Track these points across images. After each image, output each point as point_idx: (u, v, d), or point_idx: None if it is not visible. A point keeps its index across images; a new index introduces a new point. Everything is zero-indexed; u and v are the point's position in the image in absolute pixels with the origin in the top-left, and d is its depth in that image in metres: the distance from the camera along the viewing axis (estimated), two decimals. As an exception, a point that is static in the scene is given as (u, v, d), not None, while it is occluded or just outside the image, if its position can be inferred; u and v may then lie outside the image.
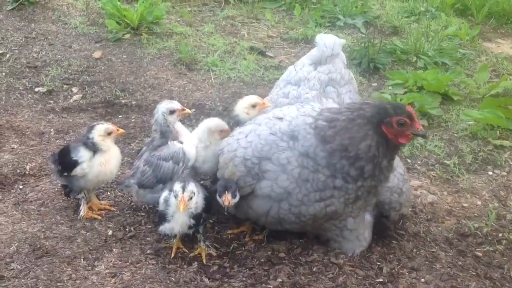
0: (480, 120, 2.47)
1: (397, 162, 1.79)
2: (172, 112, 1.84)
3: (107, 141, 1.82)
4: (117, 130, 1.86)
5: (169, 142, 1.83)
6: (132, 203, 1.97)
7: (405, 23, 3.80)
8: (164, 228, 1.67)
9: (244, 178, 1.66)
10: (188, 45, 3.31)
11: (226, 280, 1.64)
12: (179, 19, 3.84)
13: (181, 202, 1.60)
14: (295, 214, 1.64)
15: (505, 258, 1.79)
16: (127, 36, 3.49)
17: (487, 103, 2.54)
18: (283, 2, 4.15)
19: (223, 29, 3.72)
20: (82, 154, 1.79)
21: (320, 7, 4.01)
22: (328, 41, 2.06)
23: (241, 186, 1.66)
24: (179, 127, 1.89)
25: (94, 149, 1.79)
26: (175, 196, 1.61)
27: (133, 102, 2.76)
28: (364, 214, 1.72)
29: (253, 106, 1.88)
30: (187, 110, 1.90)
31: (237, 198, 1.65)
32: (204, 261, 1.69)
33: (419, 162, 2.29)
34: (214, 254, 1.73)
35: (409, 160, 2.30)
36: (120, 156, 1.91)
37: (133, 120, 2.58)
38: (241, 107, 1.90)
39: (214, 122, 1.86)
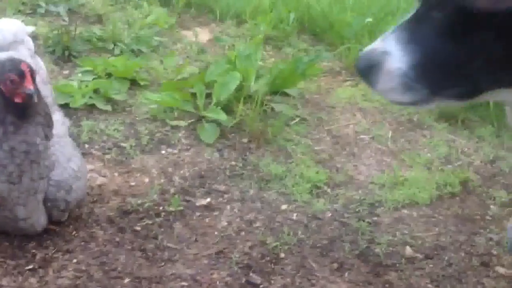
0: (159, 103, 2.64)
1: (74, 155, 1.81)
2: None
3: None
4: None
5: None
6: None
7: (110, 11, 3.84)
8: None
9: None
10: None
11: None
12: None
13: None
14: None
15: (161, 229, 1.96)
16: None
17: (166, 87, 2.72)
18: (-22, -12, 3.86)
19: None
20: None
21: (21, -6, 3.83)
22: (10, 27, 1.99)
23: None
24: None
25: None
26: None
27: None
28: (36, 201, 1.70)
29: None
30: None
31: None
32: None
33: (96, 147, 2.36)
34: None
35: (86, 146, 2.36)
36: None
37: None
38: None
39: None
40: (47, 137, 1.68)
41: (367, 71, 0.90)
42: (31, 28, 2.05)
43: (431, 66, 0.84)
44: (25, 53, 2.01)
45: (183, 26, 3.87)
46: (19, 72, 1.56)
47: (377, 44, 0.91)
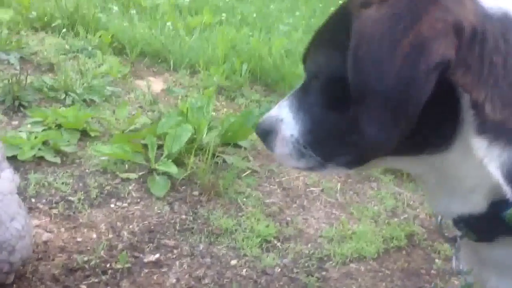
0: (110, 155, 2.62)
1: (18, 214, 1.76)
2: None
3: None
4: None
5: None
6: None
7: (62, 60, 3.84)
8: None
9: None
10: None
11: None
12: None
13: None
14: None
15: (108, 287, 1.92)
16: None
17: (117, 138, 2.71)
18: None
19: None
20: None
21: (-29, 41, 3.79)
22: None
23: None
24: None
25: None
26: None
27: None
28: None
29: None
30: None
31: None
32: None
33: (43, 201, 2.31)
34: None
35: (33, 200, 2.31)
36: None
37: None
38: None
39: None
40: None
41: (265, 137, 0.92)
42: None
43: (318, 135, 0.84)
44: None
45: (136, 75, 3.89)
46: None
47: (274, 111, 0.92)
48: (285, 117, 0.88)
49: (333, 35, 0.82)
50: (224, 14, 4.91)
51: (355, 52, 0.71)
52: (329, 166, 0.87)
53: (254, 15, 5.05)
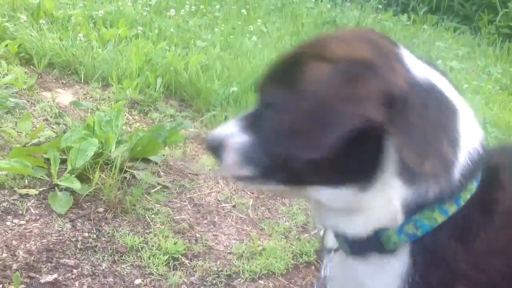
0: (7, 170, 2.45)
1: None
2: None
3: None
4: None
5: None
6: None
7: (-38, 69, 3.59)
8: None
9: None
10: None
11: None
12: None
13: None
14: None
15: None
16: None
17: (16, 153, 2.55)
18: None
19: None
20: None
21: None
22: None
23: None
24: None
25: None
26: None
27: None
28: None
29: None
30: None
31: None
32: None
33: None
34: None
35: None
36: None
37: None
38: None
39: None
40: None
41: (214, 149, 1.04)
42: None
43: (260, 152, 0.98)
44: None
45: (44, 87, 3.71)
46: None
47: (222, 129, 1.07)
48: (234, 132, 1.02)
49: (286, 75, 0.95)
50: (140, 28, 4.80)
51: (301, 94, 0.89)
52: (268, 181, 1.01)
53: (172, 29, 4.98)
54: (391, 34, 6.19)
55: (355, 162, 0.91)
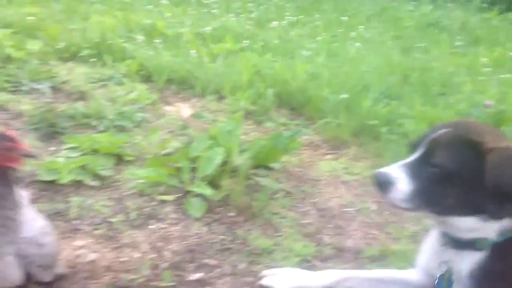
0: (146, 178, 2.68)
1: (37, 215, 1.84)
2: None
3: None
4: None
5: None
6: None
7: (92, 88, 3.93)
8: None
9: None
10: None
11: None
12: None
13: None
14: None
15: (153, 305, 1.95)
16: None
17: (151, 162, 2.77)
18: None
19: None
20: None
21: (4, 71, 3.91)
22: None
23: None
24: None
25: None
26: None
27: None
28: (2, 262, 1.69)
29: None
30: None
31: None
32: None
33: (86, 223, 2.36)
34: None
35: (75, 222, 2.36)
36: None
37: None
38: None
39: None
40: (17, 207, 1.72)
41: (381, 184, 1.46)
42: None
43: (422, 194, 1.43)
44: None
45: (165, 101, 3.97)
46: (9, 139, 1.63)
47: (390, 170, 1.46)
48: (401, 177, 1.43)
49: (458, 151, 1.39)
50: (246, 41, 5.00)
51: (494, 168, 1.34)
52: (423, 210, 1.50)
53: (276, 41, 5.14)
54: (499, 33, 5.99)
55: (489, 208, 1.39)
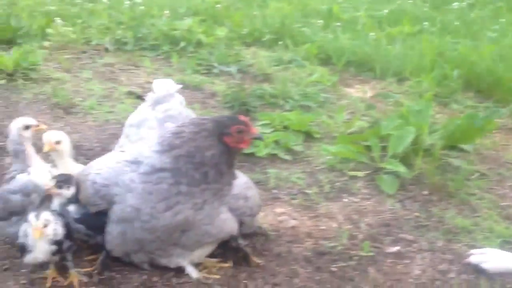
0: (336, 154, 2.75)
1: (239, 174, 2.01)
2: (27, 127, 1.92)
3: None
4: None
5: (17, 176, 1.90)
6: (6, 239, 1.98)
7: (275, 71, 4.11)
8: (28, 258, 1.74)
9: (94, 198, 1.83)
10: (66, 90, 3.36)
11: (99, 305, 1.72)
12: (57, 66, 3.88)
13: (36, 230, 1.68)
14: (149, 230, 1.75)
15: (356, 272, 2.01)
16: (3, 81, 3.47)
17: (341, 139, 2.84)
18: (161, 51, 4.34)
19: (102, 75, 3.81)
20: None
21: (197, 56, 4.24)
22: (162, 84, 2.33)
23: (92, 204, 1.83)
24: (31, 151, 1.95)
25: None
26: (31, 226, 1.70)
27: (7, 145, 2.75)
28: (220, 219, 1.86)
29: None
30: (42, 126, 1.99)
31: (70, 191, 1.85)
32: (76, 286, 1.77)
33: (283, 193, 2.50)
34: (86, 280, 1.80)
35: (275, 191, 2.51)
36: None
37: (7, 162, 2.57)
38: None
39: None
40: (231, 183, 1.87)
41: None
42: (179, 86, 2.34)
43: None
44: (177, 103, 2.28)
45: (344, 83, 4.02)
46: (244, 123, 1.78)
47: None
48: None
49: None
50: (425, 23, 4.87)
51: None
52: None
53: (456, 23, 4.93)
54: None
55: None
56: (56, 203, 1.87)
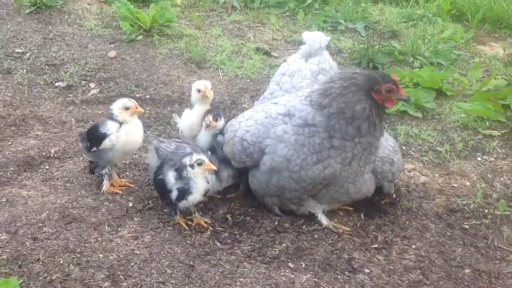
0: (471, 112, 2.65)
1: (388, 135, 2.00)
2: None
3: (125, 115, 2.01)
4: (136, 107, 2.03)
5: None
6: (149, 181, 2.15)
7: (403, 27, 3.99)
8: (187, 201, 1.86)
9: (240, 155, 1.93)
10: (198, 46, 3.51)
11: (236, 244, 1.83)
12: (188, 23, 4.05)
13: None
14: (295, 180, 1.82)
15: (490, 231, 1.96)
16: (140, 37, 3.69)
17: (477, 97, 2.72)
18: (287, 8, 4.36)
19: (230, 32, 3.92)
20: (109, 127, 1.99)
21: (323, 13, 4.21)
22: (315, 36, 2.32)
23: (237, 160, 1.95)
24: None
25: (119, 121, 2.00)
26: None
27: (147, 96, 2.95)
28: (362, 179, 1.88)
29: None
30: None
31: (221, 123, 2.02)
32: (204, 225, 1.91)
33: (413, 149, 2.47)
34: (209, 222, 1.93)
35: (404, 147, 2.48)
36: (142, 128, 2.10)
37: (147, 112, 2.77)
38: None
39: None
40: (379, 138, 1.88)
41: None
42: (328, 38, 2.32)
43: None
44: (328, 57, 2.28)
45: (478, 41, 3.81)
46: (394, 83, 1.78)
47: None
48: None
49: None
50: None
51: None
52: None
53: None
54: None
55: None
56: (208, 135, 2.05)
